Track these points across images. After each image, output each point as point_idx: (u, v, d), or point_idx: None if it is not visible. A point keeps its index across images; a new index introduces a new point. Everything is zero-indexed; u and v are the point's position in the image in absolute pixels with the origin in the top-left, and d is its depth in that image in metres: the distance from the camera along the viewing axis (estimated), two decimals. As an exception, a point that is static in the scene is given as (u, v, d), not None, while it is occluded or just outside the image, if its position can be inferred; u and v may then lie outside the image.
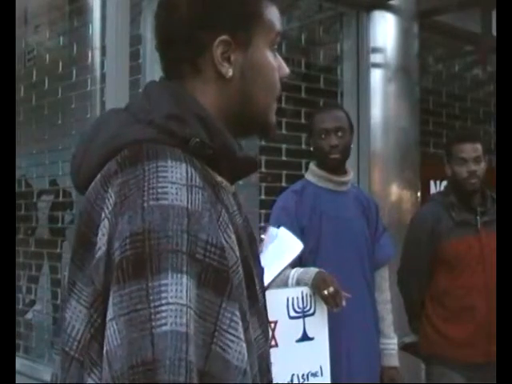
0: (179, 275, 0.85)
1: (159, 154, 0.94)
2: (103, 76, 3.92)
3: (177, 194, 0.90)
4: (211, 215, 0.93)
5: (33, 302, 5.17)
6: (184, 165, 0.94)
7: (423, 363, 3.30)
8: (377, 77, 4.47)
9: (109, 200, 0.93)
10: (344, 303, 2.36)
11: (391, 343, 2.75)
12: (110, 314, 0.85)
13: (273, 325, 2.27)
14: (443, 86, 5.44)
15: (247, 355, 0.92)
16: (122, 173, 0.94)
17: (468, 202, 2.96)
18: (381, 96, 4.44)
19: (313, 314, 2.39)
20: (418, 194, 4.55)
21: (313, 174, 2.71)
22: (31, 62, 5.07)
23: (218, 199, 1.00)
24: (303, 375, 2.34)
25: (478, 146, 2.95)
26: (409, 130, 4.48)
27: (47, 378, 4.70)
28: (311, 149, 2.77)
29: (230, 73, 1.06)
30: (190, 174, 0.93)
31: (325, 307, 2.39)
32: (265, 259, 2.21)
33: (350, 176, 2.74)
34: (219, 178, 1.06)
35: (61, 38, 4.68)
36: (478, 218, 2.93)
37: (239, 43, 1.06)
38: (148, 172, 0.91)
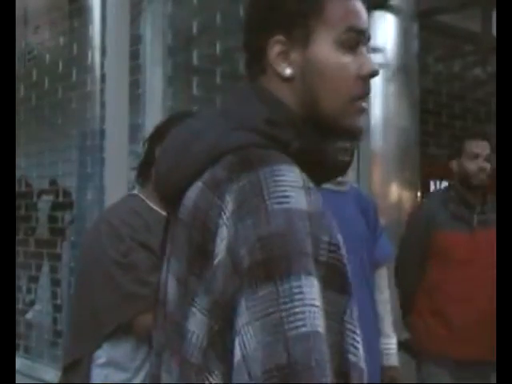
0: (310, 277, 0.86)
1: (271, 157, 0.93)
2: (103, 76, 3.92)
3: (297, 196, 0.90)
4: (328, 214, 0.93)
5: (33, 302, 5.18)
6: (295, 168, 0.93)
7: (414, 361, 3.28)
8: (377, 77, 4.46)
9: (226, 206, 0.91)
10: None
11: (391, 343, 2.74)
12: (244, 319, 0.85)
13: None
14: (443, 86, 5.45)
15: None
16: (236, 179, 0.92)
17: (467, 198, 2.97)
18: (381, 96, 4.44)
19: (313, 314, 2.38)
20: (418, 193, 4.55)
21: (313, 174, 2.71)
22: (31, 62, 5.07)
23: None
24: (303, 375, 2.33)
25: (488, 145, 2.99)
26: (409, 130, 4.48)
27: (47, 377, 4.72)
28: None
29: (288, 72, 1.03)
30: (303, 177, 0.93)
31: (325, 307, 2.39)
32: None
33: (349, 176, 2.73)
34: None
35: (61, 38, 4.69)
36: (475, 215, 2.95)
37: (296, 42, 1.03)
38: (264, 176, 0.90)
